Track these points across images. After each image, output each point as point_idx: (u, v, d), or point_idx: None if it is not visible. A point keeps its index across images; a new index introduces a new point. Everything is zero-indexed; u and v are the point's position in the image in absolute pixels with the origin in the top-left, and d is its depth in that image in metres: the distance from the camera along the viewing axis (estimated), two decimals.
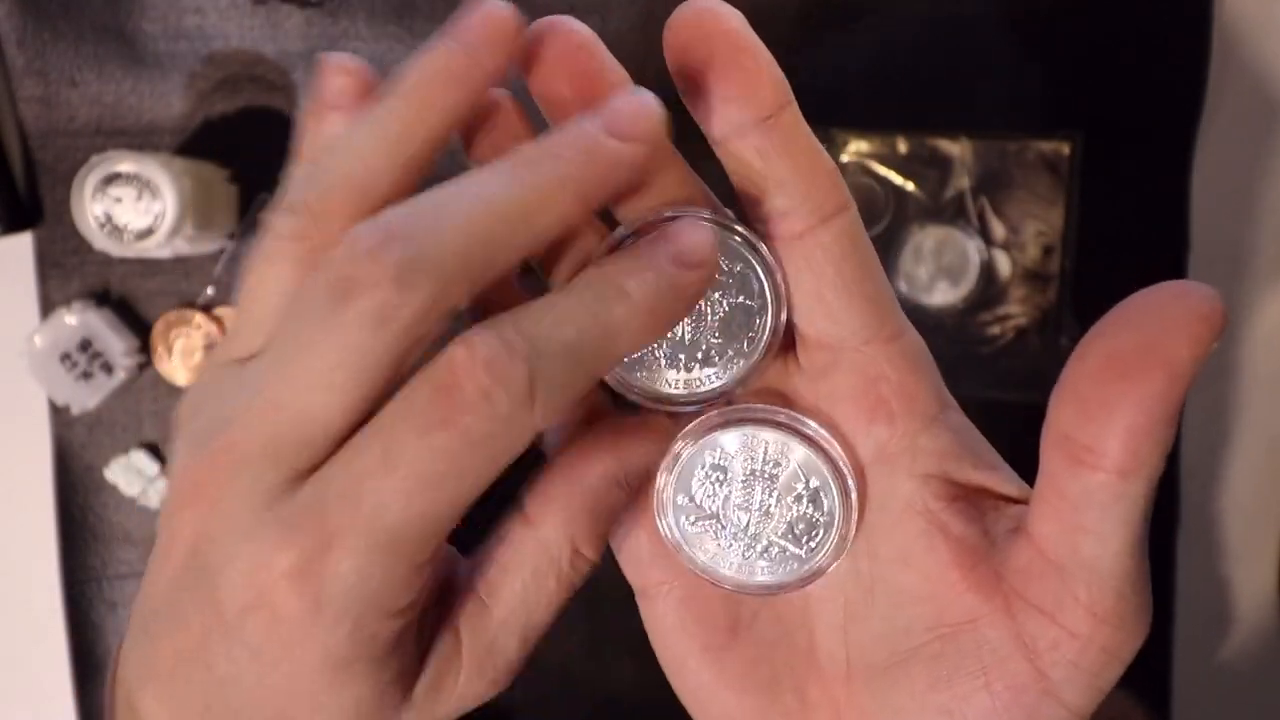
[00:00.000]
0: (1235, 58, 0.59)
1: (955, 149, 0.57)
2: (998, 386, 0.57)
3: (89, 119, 0.59)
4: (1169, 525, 0.60)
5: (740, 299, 0.26)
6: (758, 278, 0.25)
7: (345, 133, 0.25)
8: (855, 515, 0.26)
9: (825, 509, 0.26)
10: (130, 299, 0.59)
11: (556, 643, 0.58)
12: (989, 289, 0.58)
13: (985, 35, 0.58)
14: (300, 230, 0.24)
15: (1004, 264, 0.58)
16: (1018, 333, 0.58)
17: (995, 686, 0.24)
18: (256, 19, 0.58)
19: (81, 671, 0.60)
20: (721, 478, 0.26)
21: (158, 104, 0.59)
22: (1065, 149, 0.57)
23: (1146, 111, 0.59)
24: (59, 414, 0.59)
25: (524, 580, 0.25)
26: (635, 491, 0.26)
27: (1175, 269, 0.59)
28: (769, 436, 0.26)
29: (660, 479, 0.26)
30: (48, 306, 0.59)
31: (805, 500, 0.26)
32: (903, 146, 0.57)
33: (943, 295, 0.57)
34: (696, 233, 0.24)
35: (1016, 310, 0.58)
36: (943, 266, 0.57)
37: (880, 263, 0.26)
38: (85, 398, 0.58)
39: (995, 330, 0.58)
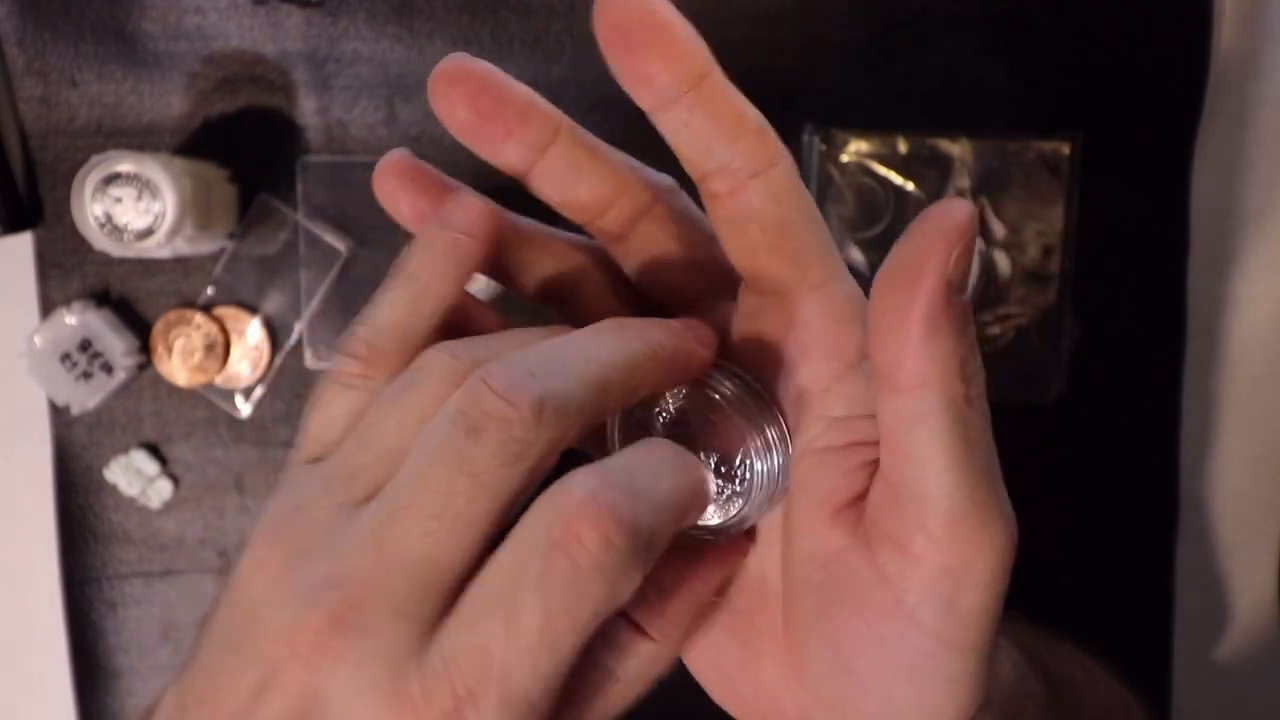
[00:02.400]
0: (1235, 58, 0.59)
1: (955, 149, 0.57)
2: (998, 386, 0.57)
3: (89, 119, 0.59)
4: (1169, 525, 0.60)
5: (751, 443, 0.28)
6: (767, 425, 0.27)
7: (383, 294, 0.27)
8: (789, 452, 0.27)
9: (762, 450, 0.27)
10: (130, 299, 0.59)
11: None
12: (989, 289, 0.58)
13: (985, 35, 0.58)
14: (364, 367, 0.26)
15: (1004, 264, 0.58)
16: (1018, 333, 0.58)
17: (865, 615, 0.25)
18: (256, 19, 0.58)
19: (81, 671, 0.60)
20: (665, 421, 0.28)
21: (158, 104, 0.59)
22: (1065, 149, 0.57)
23: (1146, 111, 0.59)
24: (59, 414, 0.59)
25: (635, 689, 0.26)
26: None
27: (1175, 269, 0.59)
28: (706, 381, 0.27)
29: (611, 431, 0.27)
30: (48, 306, 0.59)
31: (745, 442, 0.27)
32: (903, 146, 0.57)
33: None
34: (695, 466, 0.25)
35: (1016, 310, 0.58)
36: None
37: (816, 212, 0.27)
38: (85, 398, 0.58)
39: (995, 330, 0.58)
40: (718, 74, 0.26)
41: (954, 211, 0.22)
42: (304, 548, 0.23)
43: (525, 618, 0.22)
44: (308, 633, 0.22)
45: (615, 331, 0.26)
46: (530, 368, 0.23)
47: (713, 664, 0.29)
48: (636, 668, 0.26)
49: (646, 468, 0.24)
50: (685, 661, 0.29)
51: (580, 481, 0.22)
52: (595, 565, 0.22)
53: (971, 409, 0.24)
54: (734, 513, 0.27)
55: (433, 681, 0.22)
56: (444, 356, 0.25)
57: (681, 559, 0.26)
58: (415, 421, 0.24)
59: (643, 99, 0.26)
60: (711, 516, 0.27)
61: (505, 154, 0.28)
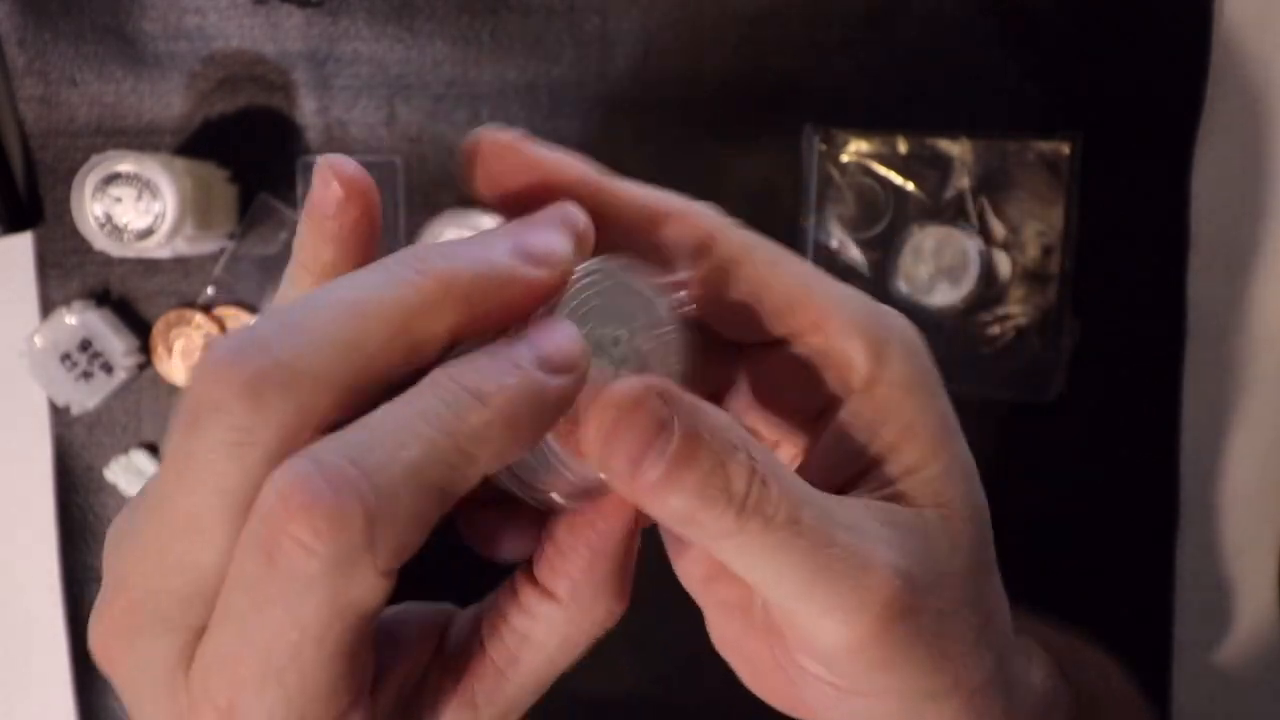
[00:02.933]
0: (1235, 58, 0.59)
1: (955, 149, 0.57)
2: (998, 386, 0.57)
3: (89, 119, 0.59)
4: (1169, 525, 0.60)
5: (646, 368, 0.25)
6: (672, 347, 0.25)
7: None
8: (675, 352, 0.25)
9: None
10: (130, 299, 0.59)
11: None
12: (989, 289, 0.58)
13: (985, 35, 0.58)
14: None
15: (1004, 264, 0.58)
16: (1018, 333, 0.58)
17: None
18: (256, 19, 0.58)
19: (81, 671, 0.60)
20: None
21: (158, 104, 0.59)
22: (1065, 149, 0.57)
23: (1146, 111, 0.59)
24: (59, 414, 0.59)
25: (550, 652, 0.25)
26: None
27: (1175, 269, 0.59)
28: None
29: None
30: (48, 306, 0.59)
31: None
32: (903, 146, 0.57)
33: (943, 295, 0.57)
34: (563, 332, 0.23)
35: (1016, 310, 0.58)
36: (943, 266, 0.57)
37: (785, 260, 0.26)
38: (85, 398, 0.58)
39: (995, 330, 0.58)
40: (609, 182, 0.25)
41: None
42: (117, 536, 0.23)
43: (254, 630, 0.20)
44: (101, 634, 0.23)
45: (383, 269, 0.22)
46: (259, 335, 0.20)
47: (741, 658, 0.29)
48: (548, 631, 0.25)
49: (393, 431, 0.20)
50: (720, 653, 0.29)
51: (283, 471, 0.20)
52: (306, 570, 0.20)
53: (747, 521, 0.23)
54: None
55: (197, 693, 0.21)
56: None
57: (579, 514, 0.25)
58: None
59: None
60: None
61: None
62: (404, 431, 0.20)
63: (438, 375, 0.21)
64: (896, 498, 0.25)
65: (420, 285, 0.21)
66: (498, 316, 0.23)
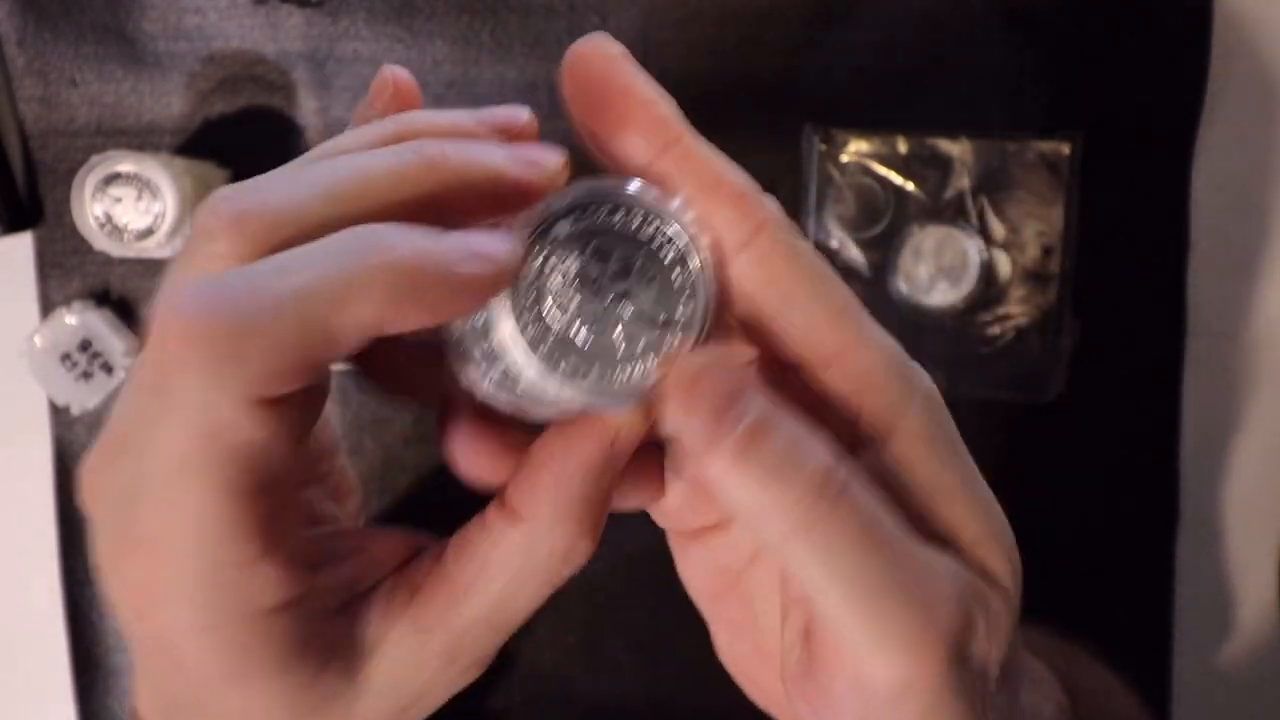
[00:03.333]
0: (1235, 58, 0.59)
1: (955, 149, 0.57)
2: (998, 386, 0.57)
3: (89, 119, 0.59)
4: (1169, 525, 0.60)
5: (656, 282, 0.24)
6: (683, 264, 0.24)
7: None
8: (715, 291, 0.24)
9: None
10: (130, 299, 0.59)
11: (553, 639, 0.58)
12: (989, 289, 0.58)
13: (985, 35, 0.58)
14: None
15: (1004, 264, 0.58)
16: (1018, 333, 0.58)
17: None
18: (256, 19, 0.58)
19: (81, 671, 0.60)
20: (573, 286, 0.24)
21: (158, 104, 0.59)
22: (1065, 149, 0.57)
23: (1146, 111, 0.59)
24: (59, 414, 0.59)
25: (506, 580, 0.24)
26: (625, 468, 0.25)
27: (1175, 269, 0.59)
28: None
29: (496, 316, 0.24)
30: (48, 306, 0.59)
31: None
32: (903, 146, 0.57)
33: (943, 295, 0.57)
34: (498, 238, 0.23)
35: (1016, 310, 0.58)
36: (943, 266, 0.57)
37: (819, 269, 0.24)
38: (85, 398, 0.58)
39: (995, 330, 0.58)
40: (689, 139, 0.24)
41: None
42: None
43: (148, 450, 0.21)
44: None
45: (390, 150, 0.23)
46: (260, 184, 0.22)
47: (747, 677, 0.28)
48: (505, 555, 0.24)
49: (295, 259, 0.21)
50: (725, 667, 0.28)
51: (182, 286, 0.21)
52: (182, 383, 0.20)
53: (833, 510, 0.22)
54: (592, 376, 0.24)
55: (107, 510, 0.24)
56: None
57: (554, 434, 0.24)
58: None
59: (611, 165, 0.25)
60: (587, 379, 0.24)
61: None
62: (302, 260, 0.21)
63: (369, 224, 0.22)
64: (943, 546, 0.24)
65: (414, 162, 0.23)
66: (493, 204, 0.23)
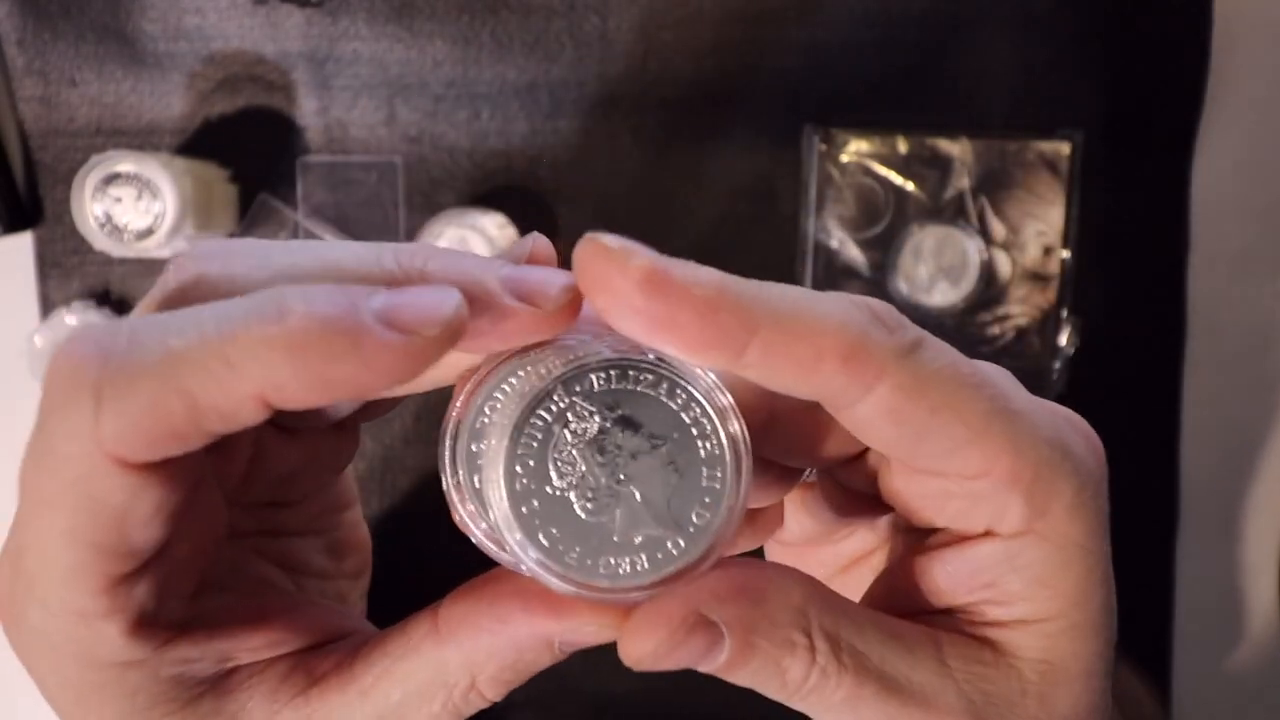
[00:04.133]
0: (1235, 58, 0.59)
1: (955, 149, 0.57)
2: None
3: (89, 119, 0.59)
4: (1169, 525, 0.60)
5: (677, 457, 0.21)
6: (702, 427, 0.21)
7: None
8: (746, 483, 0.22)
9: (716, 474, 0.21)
10: (130, 299, 0.59)
11: None
12: (989, 289, 0.58)
13: (985, 35, 0.58)
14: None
15: (1004, 264, 0.58)
16: (1018, 333, 0.58)
17: None
18: (256, 19, 0.58)
19: None
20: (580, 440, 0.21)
21: (158, 104, 0.59)
22: (1065, 149, 0.57)
23: (1146, 111, 0.59)
24: None
25: (405, 692, 0.22)
26: (563, 656, 0.23)
27: (1175, 269, 0.59)
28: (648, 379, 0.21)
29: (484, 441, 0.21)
30: (48, 306, 0.59)
31: (696, 464, 0.21)
32: (903, 146, 0.57)
33: (943, 295, 0.57)
34: (440, 294, 0.19)
35: (1016, 310, 0.58)
36: (943, 266, 0.57)
37: (959, 399, 0.22)
38: None
39: (995, 330, 0.58)
40: (768, 324, 0.20)
41: None
42: None
43: (28, 473, 0.21)
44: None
45: (376, 249, 0.21)
46: (237, 248, 0.21)
47: None
48: (419, 669, 0.22)
49: (190, 317, 0.19)
50: None
51: (87, 326, 0.20)
52: (47, 420, 0.20)
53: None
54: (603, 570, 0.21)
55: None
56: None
57: (508, 589, 0.22)
58: None
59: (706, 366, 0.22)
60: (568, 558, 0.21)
61: (702, 361, 0.21)
62: (191, 319, 0.19)
63: (278, 287, 0.19)
64: (992, 644, 0.23)
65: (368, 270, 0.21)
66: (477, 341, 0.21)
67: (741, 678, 0.22)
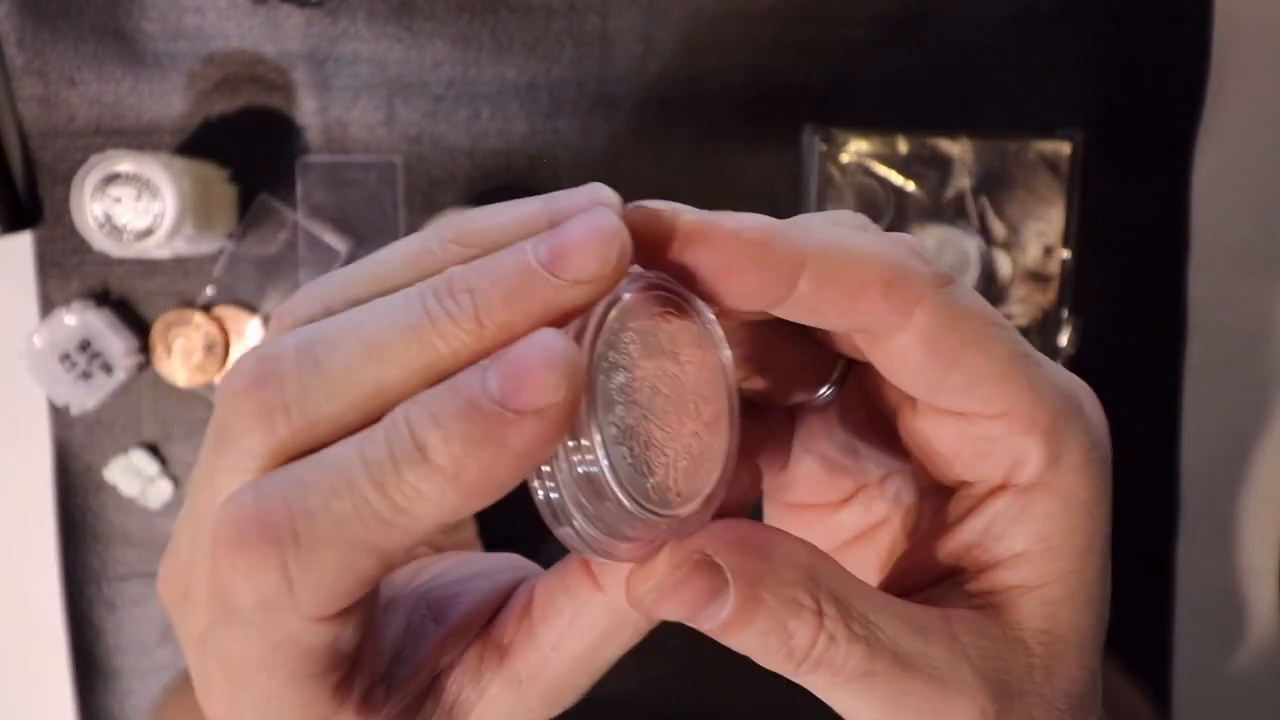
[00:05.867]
0: (1235, 58, 0.59)
1: (955, 149, 0.57)
2: None
3: (89, 119, 0.59)
4: (1169, 525, 0.60)
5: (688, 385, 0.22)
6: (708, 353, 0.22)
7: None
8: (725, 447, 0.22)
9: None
10: (130, 299, 0.59)
11: None
12: (989, 289, 0.58)
13: (985, 35, 0.58)
14: None
15: (1004, 264, 0.58)
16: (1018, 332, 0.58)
17: None
18: (256, 19, 0.58)
19: (81, 671, 0.60)
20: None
21: (158, 104, 0.59)
22: (1065, 149, 0.57)
23: (1146, 111, 0.59)
24: (59, 414, 0.59)
25: (593, 638, 0.24)
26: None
27: (1175, 269, 0.59)
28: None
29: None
30: (48, 306, 0.59)
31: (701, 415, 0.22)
32: (903, 146, 0.57)
33: None
34: (537, 350, 0.19)
35: (1016, 310, 0.58)
36: (943, 266, 0.57)
37: (988, 326, 0.23)
38: (85, 398, 0.58)
39: None
40: (816, 258, 0.22)
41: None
42: None
43: (218, 644, 0.21)
44: (160, 585, 0.24)
45: (419, 300, 0.20)
46: (279, 367, 0.20)
47: None
48: (591, 619, 0.24)
49: (335, 472, 0.19)
50: None
51: (226, 502, 0.20)
52: (238, 602, 0.20)
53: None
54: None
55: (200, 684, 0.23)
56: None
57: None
58: None
59: (736, 315, 0.23)
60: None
61: (746, 302, 0.22)
62: (341, 477, 0.19)
63: (396, 414, 0.20)
64: (997, 609, 0.24)
65: (450, 332, 0.20)
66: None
67: (745, 640, 0.22)
